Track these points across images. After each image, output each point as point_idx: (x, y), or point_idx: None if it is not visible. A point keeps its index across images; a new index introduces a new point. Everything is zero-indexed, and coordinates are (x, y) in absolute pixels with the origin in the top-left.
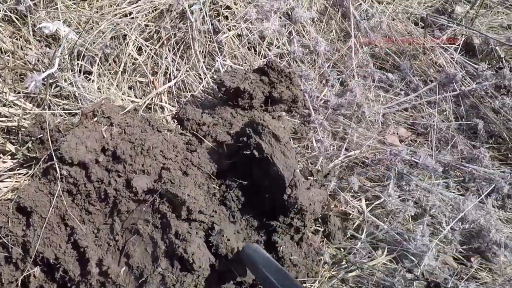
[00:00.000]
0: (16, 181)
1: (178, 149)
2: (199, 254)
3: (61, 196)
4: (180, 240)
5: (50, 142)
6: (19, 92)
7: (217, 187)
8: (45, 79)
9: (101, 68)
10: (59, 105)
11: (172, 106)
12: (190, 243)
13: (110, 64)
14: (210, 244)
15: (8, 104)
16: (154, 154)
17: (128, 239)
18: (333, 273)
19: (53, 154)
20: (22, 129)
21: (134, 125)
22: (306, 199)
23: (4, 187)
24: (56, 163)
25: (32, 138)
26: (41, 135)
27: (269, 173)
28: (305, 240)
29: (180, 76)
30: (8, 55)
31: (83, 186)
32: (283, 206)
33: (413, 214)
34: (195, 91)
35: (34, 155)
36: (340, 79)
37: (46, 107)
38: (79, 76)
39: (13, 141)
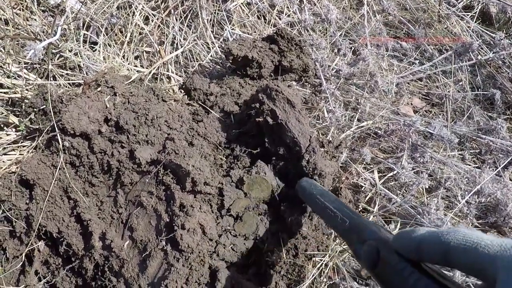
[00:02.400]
0: (20, 154)
1: (183, 119)
2: (192, 233)
3: (63, 168)
4: (183, 213)
5: (52, 113)
6: (21, 63)
7: (224, 158)
8: (47, 48)
9: (107, 38)
10: (63, 76)
11: (179, 76)
12: (190, 217)
13: (116, 34)
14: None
15: (12, 76)
16: (158, 124)
17: (132, 211)
18: (344, 246)
19: (55, 125)
20: (25, 100)
21: (138, 94)
22: (324, 165)
23: (7, 159)
24: (58, 134)
25: (35, 109)
26: (44, 106)
27: (283, 140)
28: None
29: (188, 46)
30: (9, 25)
31: (86, 157)
32: (298, 175)
33: (427, 187)
34: (202, 61)
35: (37, 127)
36: (353, 48)
37: (49, 77)
38: (84, 46)
39: (17, 113)
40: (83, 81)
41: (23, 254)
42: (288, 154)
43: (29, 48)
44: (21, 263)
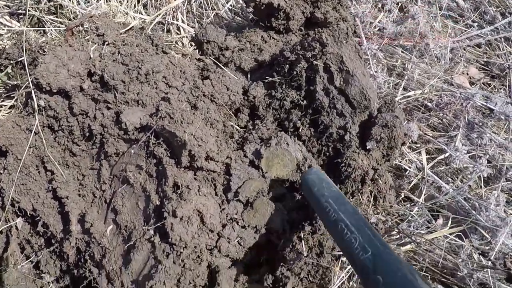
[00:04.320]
0: (3, 115)
1: (187, 76)
2: (186, 222)
3: (39, 132)
4: (176, 196)
5: (27, 65)
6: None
7: (236, 126)
8: None
9: None
10: (54, 23)
11: (191, 27)
12: (185, 202)
13: None
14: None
15: None
16: (154, 80)
17: (117, 189)
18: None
19: (29, 81)
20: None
21: (133, 44)
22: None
23: None
24: (33, 91)
25: (11, 62)
26: (23, 57)
27: (344, 92)
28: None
29: None
30: None
31: (65, 120)
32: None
33: (485, 175)
34: (220, 10)
35: (16, 83)
36: (400, 4)
37: (25, 21)
38: None
39: (2, 68)
40: (65, 26)
41: None
42: (349, 109)
43: None
44: (4, 240)
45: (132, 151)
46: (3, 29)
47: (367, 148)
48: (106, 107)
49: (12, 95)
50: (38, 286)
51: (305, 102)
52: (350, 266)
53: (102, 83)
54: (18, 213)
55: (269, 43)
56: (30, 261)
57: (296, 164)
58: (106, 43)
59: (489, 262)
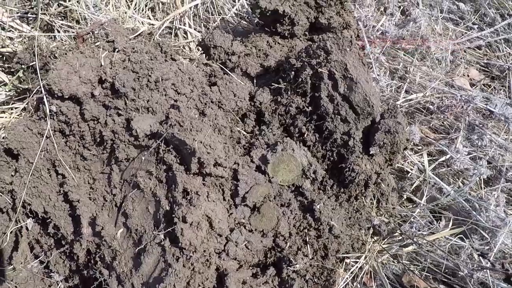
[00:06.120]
0: (14, 117)
1: (195, 83)
2: (196, 228)
3: (51, 136)
4: (186, 202)
5: (43, 71)
6: (12, 11)
7: (243, 131)
8: None
9: None
10: (63, 27)
11: (198, 31)
12: (194, 208)
13: None
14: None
15: (7, 28)
16: (164, 87)
17: (127, 194)
18: (384, 246)
19: (41, 86)
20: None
21: (142, 51)
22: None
23: None
24: (44, 97)
25: (23, 66)
26: (34, 62)
27: (348, 99)
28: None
29: None
30: None
31: (76, 125)
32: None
33: (485, 177)
34: (226, 15)
35: (27, 87)
36: (402, 7)
37: (36, 25)
38: None
39: (12, 70)
40: (76, 33)
41: (9, 232)
42: (353, 115)
43: None
44: (14, 239)
45: (143, 158)
46: (14, 33)
47: (370, 153)
48: (116, 113)
49: (23, 99)
50: (46, 285)
51: (310, 108)
52: (354, 268)
53: (113, 90)
54: (29, 215)
55: (274, 48)
56: (40, 261)
57: (302, 169)
58: (117, 50)
59: (488, 263)
